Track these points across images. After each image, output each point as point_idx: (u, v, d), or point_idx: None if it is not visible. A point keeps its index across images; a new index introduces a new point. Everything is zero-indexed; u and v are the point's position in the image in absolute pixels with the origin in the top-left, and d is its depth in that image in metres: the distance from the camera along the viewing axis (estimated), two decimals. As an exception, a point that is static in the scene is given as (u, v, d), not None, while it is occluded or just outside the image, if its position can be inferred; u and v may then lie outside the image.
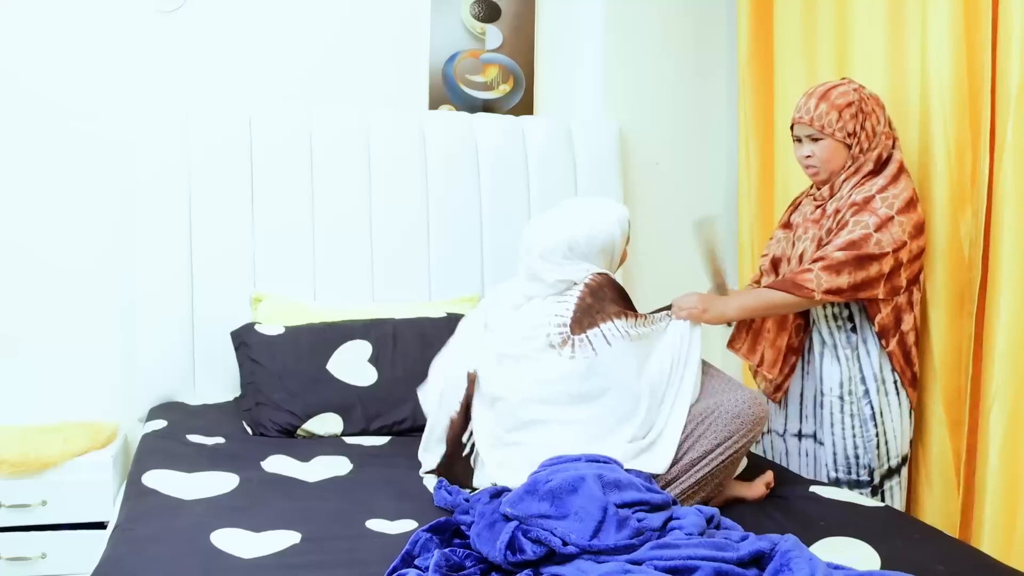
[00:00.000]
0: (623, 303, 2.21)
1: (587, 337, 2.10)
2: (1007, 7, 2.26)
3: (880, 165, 2.37)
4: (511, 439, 2.12)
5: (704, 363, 2.25)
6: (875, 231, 2.27)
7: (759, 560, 1.55)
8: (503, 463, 2.10)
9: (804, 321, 2.51)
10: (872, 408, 2.38)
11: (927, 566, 1.71)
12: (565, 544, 1.57)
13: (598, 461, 1.81)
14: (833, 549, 1.80)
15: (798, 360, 2.53)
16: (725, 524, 1.74)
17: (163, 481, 2.10)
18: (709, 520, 1.71)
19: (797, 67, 3.06)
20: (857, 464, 2.40)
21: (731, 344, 2.59)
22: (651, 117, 3.42)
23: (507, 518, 1.65)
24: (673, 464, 2.04)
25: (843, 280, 2.26)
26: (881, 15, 2.69)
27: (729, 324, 2.56)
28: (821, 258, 2.29)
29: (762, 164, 3.28)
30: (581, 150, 3.22)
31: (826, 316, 2.43)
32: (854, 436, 2.40)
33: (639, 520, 1.62)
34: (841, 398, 2.41)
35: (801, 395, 2.55)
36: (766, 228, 3.27)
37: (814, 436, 2.51)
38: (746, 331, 2.57)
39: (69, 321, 2.94)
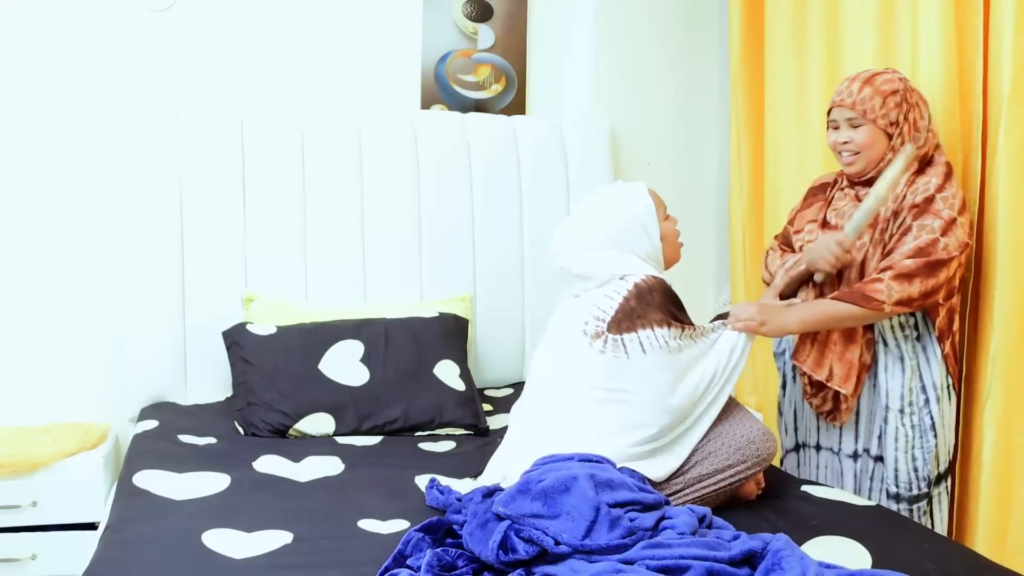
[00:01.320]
0: (671, 311, 2.09)
1: (622, 340, 2.04)
2: (998, 9, 2.27)
3: (924, 164, 2.27)
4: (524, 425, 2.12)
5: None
6: (941, 235, 2.15)
7: (751, 559, 1.55)
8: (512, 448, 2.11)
9: (872, 334, 2.32)
10: (932, 418, 2.26)
11: (918, 565, 1.71)
12: (557, 544, 1.56)
13: (591, 460, 1.81)
14: (825, 548, 1.80)
15: (867, 374, 2.34)
16: (717, 524, 1.74)
17: (154, 481, 2.09)
18: (701, 520, 1.71)
19: (788, 67, 3.06)
20: (917, 477, 2.28)
21: (796, 357, 2.39)
22: (643, 117, 3.42)
23: (499, 517, 1.65)
24: (678, 475, 2.03)
25: (915, 289, 2.14)
26: (872, 16, 2.69)
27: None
28: (890, 267, 2.16)
29: (753, 163, 3.29)
30: (573, 150, 3.22)
31: (892, 326, 2.29)
32: (914, 448, 2.27)
33: (631, 520, 1.62)
34: (902, 411, 2.27)
35: (857, 411, 2.38)
36: (757, 226, 3.28)
37: (868, 452, 2.38)
38: (811, 342, 2.36)
39: (60, 321, 2.93)
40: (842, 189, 2.40)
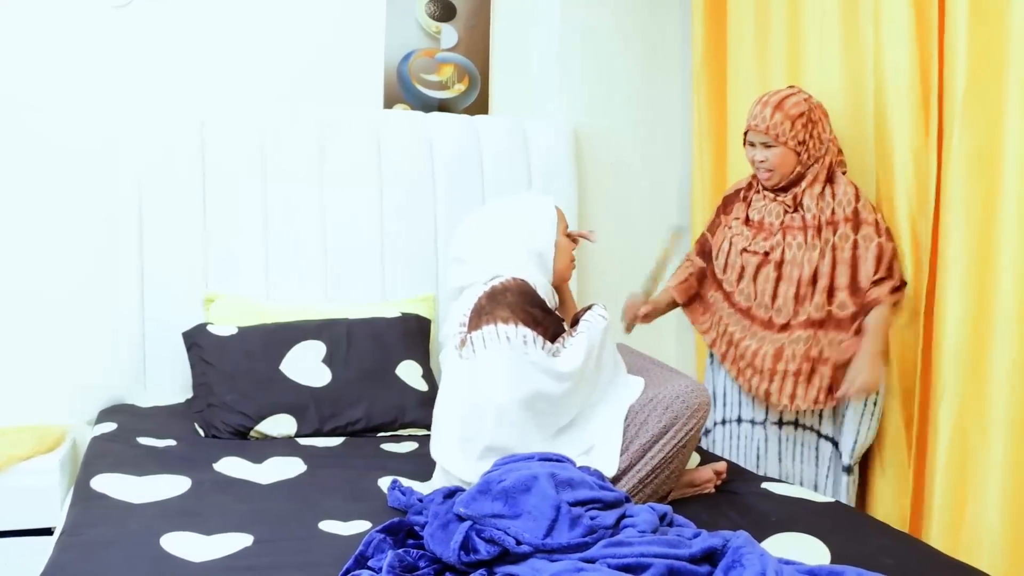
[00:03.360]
0: (529, 311, 2.07)
1: (471, 339, 2.05)
2: (952, 12, 2.30)
3: (831, 171, 2.53)
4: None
5: (644, 357, 2.27)
6: (883, 238, 2.48)
7: (711, 557, 1.56)
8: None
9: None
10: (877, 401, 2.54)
11: (876, 560, 1.73)
12: (519, 543, 1.57)
13: (551, 460, 1.81)
14: (784, 545, 1.82)
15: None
16: (678, 521, 1.75)
17: (112, 485, 2.06)
18: (662, 518, 1.72)
19: (750, 69, 3.09)
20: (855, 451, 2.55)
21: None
22: (606, 117, 3.43)
23: (461, 518, 1.65)
24: (621, 452, 2.04)
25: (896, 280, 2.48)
26: (834, 19, 2.72)
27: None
28: (866, 290, 2.46)
29: (716, 164, 3.31)
30: (536, 150, 3.22)
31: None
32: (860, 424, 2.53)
33: (592, 518, 1.62)
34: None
35: None
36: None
37: (798, 423, 2.61)
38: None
39: (15, 323, 2.87)
40: (758, 191, 2.63)
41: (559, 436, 2.07)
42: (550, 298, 2.19)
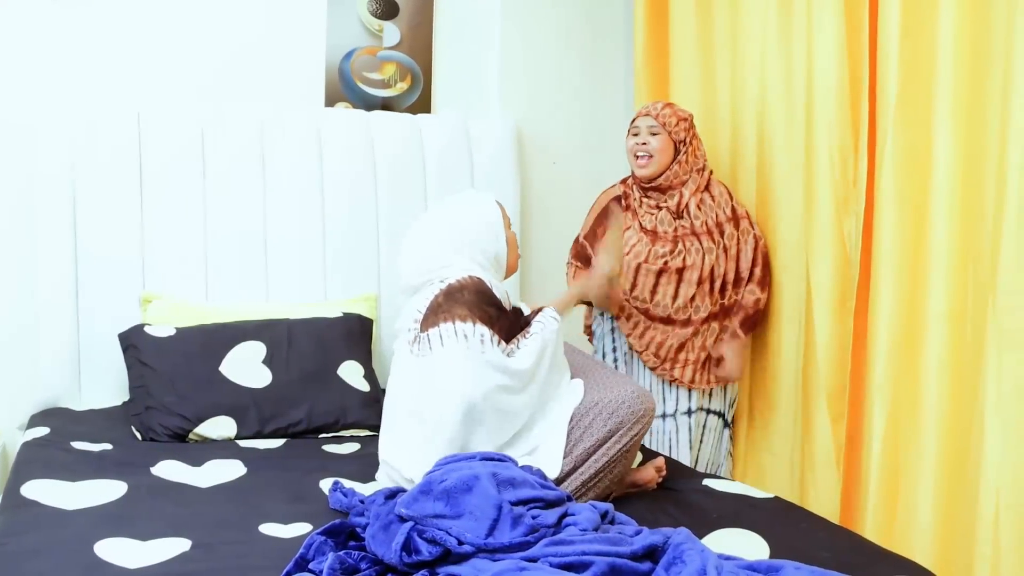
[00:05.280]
0: (485, 310, 2.07)
1: (427, 336, 2.04)
2: (885, 19, 2.35)
3: (708, 181, 2.81)
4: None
5: (587, 357, 2.30)
6: (756, 230, 2.82)
7: (653, 553, 1.57)
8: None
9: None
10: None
11: (813, 553, 1.77)
12: (460, 543, 1.56)
13: (492, 459, 1.81)
14: (724, 540, 1.85)
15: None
16: (619, 519, 1.76)
17: (44, 491, 2.01)
18: (604, 515, 1.72)
19: (691, 68, 3.13)
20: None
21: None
22: (549, 115, 3.44)
23: (402, 519, 1.64)
24: (565, 455, 2.04)
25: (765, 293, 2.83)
26: (773, 23, 2.77)
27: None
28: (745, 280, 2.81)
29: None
30: (479, 148, 3.22)
31: None
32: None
33: (534, 517, 1.62)
34: None
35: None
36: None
37: (704, 408, 2.88)
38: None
39: (-58, 324, 2.79)
40: (638, 200, 2.82)
41: (512, 438, 2.07)
42: (504, 297, 2.19)
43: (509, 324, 2.13)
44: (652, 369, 2.81)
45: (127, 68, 2.93)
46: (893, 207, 2.35)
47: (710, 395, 2.86)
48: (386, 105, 3.25)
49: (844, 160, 2.52)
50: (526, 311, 2.24)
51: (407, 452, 2.04)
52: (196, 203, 2.86)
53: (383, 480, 2.11)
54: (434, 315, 2.05)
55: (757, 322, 2.83)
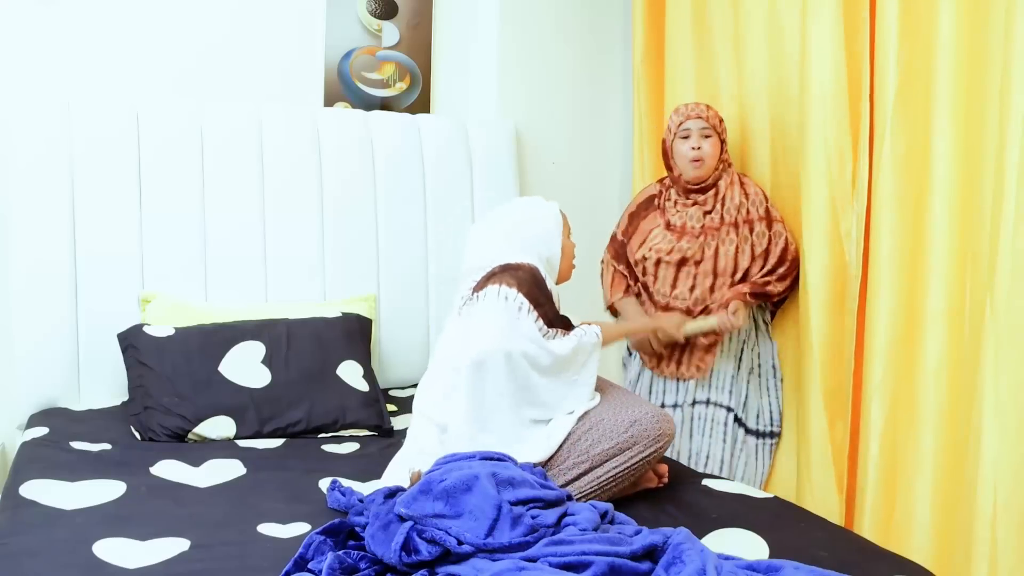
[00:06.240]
0: (532, 288, 2.17)
1: (476, 297, 2.16)
2: (884, 19, 2.35)
3: (741, 176, 2.81)
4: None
5: (613, 384, 2.32)
6: (788, 235, 2.77)
7: (652, 553, 1.58)
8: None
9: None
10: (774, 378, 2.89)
11: (812, 553, 1.77)
12: (460, 543, 1.56)
13: (492, 459, 1.81)
14: (724, 540, 1.85)
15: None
16: (619, 519, 1.76)
17: (43, 491, 2.00)
18: (603, 515, 1.73)
19: (689, 70, 3.13)
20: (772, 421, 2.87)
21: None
22: (547, 116, 3.44)
23: (401, 518, 1.64)
24: (583, 458, 2.07)
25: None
26: (769, 25, 2.77)
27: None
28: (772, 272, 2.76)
29: (656, 164, 3.34)
30: (477, 149, 3.22)
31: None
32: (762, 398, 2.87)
33: (533, 517, 1.62)
34: (751, 371, 2.85)
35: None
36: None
37: (710, 401, 2.84)
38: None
39: (-60, 324, 2.79)
40: (670, 198, 2.82)
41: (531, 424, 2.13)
42: (555, 296, 2.27)
43: (552, 317, 2.21)
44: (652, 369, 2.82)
45: (126, 67, 2.93)
46: (892, 206, 2.35)
47: (708, 387, 2.82)
48: (385, 105, 3.25)
49: (843, 159, 2.52)
50: (575, 323, 2.30)
51: (439, 397, 2.13)
52: (195, 203, 2.86)
53: (410, 440, 2.17)
54: (486, 280, 2.17)
55: (761, 298, 2.74)
